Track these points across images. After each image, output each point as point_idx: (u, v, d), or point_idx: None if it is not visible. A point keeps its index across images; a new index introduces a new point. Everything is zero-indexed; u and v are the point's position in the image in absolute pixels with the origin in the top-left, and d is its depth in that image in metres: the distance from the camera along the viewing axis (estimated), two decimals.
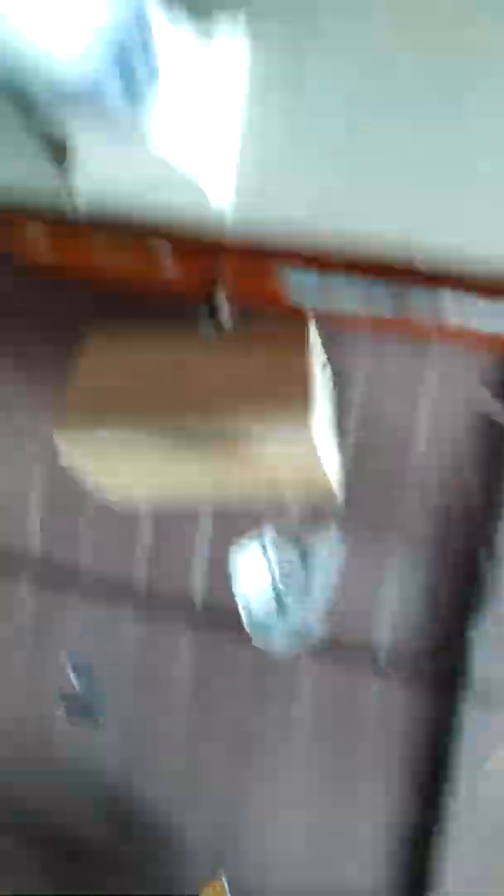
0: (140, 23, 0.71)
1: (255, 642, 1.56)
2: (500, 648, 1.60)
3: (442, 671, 1.68)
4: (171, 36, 0.82)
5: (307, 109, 0.94)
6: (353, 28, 0.92)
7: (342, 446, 1.49)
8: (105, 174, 0.92)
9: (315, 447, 1.26)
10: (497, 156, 0.89)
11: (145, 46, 0.73)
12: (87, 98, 0.72)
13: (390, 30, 0.89)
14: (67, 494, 1.52)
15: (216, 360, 1.29)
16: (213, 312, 1.23)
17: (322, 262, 0.97)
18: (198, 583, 1.76)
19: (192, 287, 1.12)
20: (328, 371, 1.41)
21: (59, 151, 0.86)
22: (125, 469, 1.35)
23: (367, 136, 0.93)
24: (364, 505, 1.59)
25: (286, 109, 0.95)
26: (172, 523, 1.70)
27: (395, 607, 1.67)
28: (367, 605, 1.67)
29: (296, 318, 1.30)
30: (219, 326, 1.24)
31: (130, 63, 0.72)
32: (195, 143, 0.91)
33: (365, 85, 0.93)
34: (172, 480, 1.41)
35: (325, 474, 1.35)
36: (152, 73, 0.75)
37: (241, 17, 0.92)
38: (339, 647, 1.70)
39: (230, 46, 0.92)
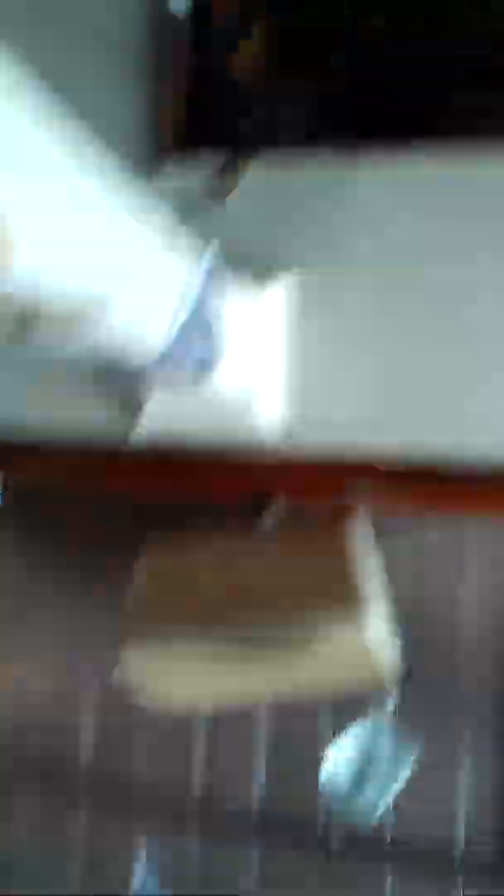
0: (208, 294, 0.79)
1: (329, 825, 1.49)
2: None
3: None
4: (229, 293, 0.92)
5: (346, 335, 1.04)
6: (383, 261, 1.03)
7: (396, 630, 1.49)
8: (166, 414, 0.99)
9: (372, 641, 1.27)
10: None
11: (215, 316, 0.81)
12: (161, 370, 0.79)
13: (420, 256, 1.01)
14: (121, 705, 1.50)
15: (267, 560, 1.33)
16: (261, 513, 1.27)
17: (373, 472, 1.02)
18: (258, 791, 1.69)
19: (245, 499, 1.16)
20: (375, 556, 1.44)
21: (128, 406, 0.94)
22: (182, 678, 1.35)
23: (405, 353, 1.02)
24: (424, 691, 1.57)
25: (325, 336, 1.04)
26: (229, 728, 1.66)
27: (468, 803, 1.59)
28: (440, 802, 1.60)
29: (341, 510, 1.35)
30: (268, 526, 1.28)
31: (202, 334, 0.79)
32: (246, 375, 0.98)
33: (397, 309, 1.02)
34: (228, 685, 1.41)
35: (383, 665, 1.35)
36: (220, 341, 0.83)
37: (282, 265, 1.04)
38: (409, 849, 1.61)
39: (274, 290, 1.02)
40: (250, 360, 0.97)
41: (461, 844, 1.55)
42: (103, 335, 0.65)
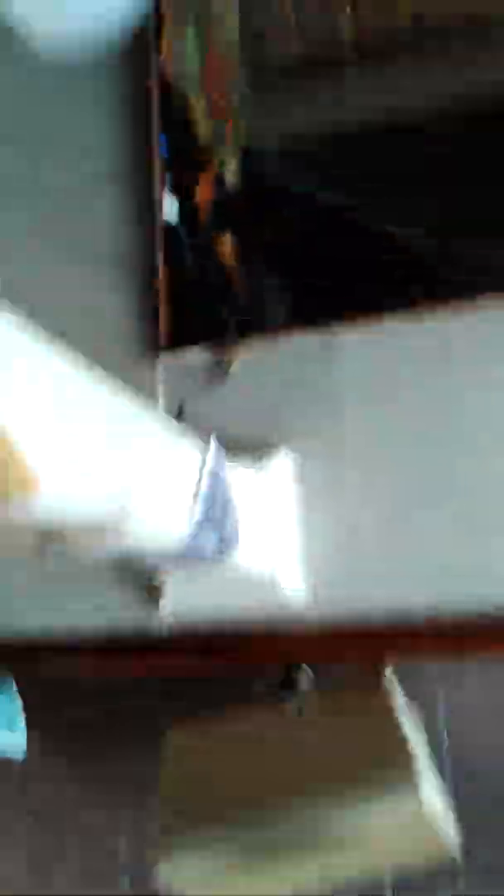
0: (220, 483, 0.82)
1: None
2: None
3: None
4: (238, 475, 0.95)
5: (349, 500, 1.06)
6: (374, 422, 1.08)
7: (445, 791, 1.40)
8: (189, 597, 0.99)
9: (427, 809, 1.18)
10: None
11: (228, 501, 0.84)
12: (186, 558, 0.80)
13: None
14: None
15: (301, 735, 1.27)
16: (291, 684, 1.23)
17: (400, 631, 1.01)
18: None
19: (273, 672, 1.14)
20: (412, 715, 1.38)
21: (151, 590, 0.95)
22: (225, 879, 1.24)
23: (413, 514, 1.04)
24: (486, 850, 1.45)
25: (334, 505, 1.06)
26: None
27: None
28: None
29: (371, 671, 1.30)
30: (299, 697, 1.23)
31: (218, 523, 0.81)
32: (263, 549, 0.99)
33: (397, 478, 1.06)
34: (278, 878, 1.29)
35: (440, 833, 1.25)
36: (235, 523, 0.85)
37: (280, 439, 1.08)
38: None
39: (277, 463, 1.06)
40: (265, 535, 0.99)
41: None
42: (127, 541, 0.67)
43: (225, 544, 0.84)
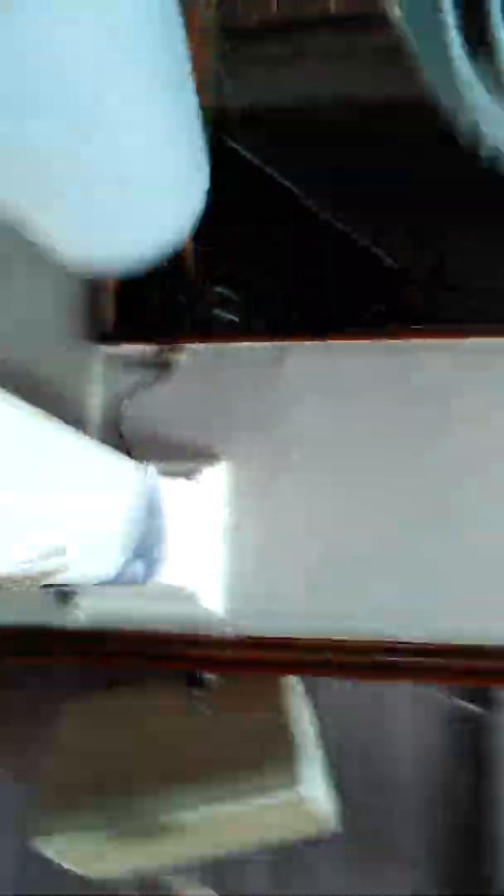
0: (154, 515, 0.82)
1: None
2: None
3: None
4: (169, 491, 0.95)
5: (281, 516, 1.08)
6: (314, 440, 1.09)
7: (330, 775, 1.50)
8: (103, 603, 1.00)
9: (305, 793, 1.26)
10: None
11: (159, 532, 0.84)
12: (112, 583, 0.80)
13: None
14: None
15: (194, 722, 1.31)
16: (195, 681, 1.26)
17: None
18: None
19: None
20: (306, 707, 1.45)
21: (63, 596, 0.95)
22: (106, 852, 1.29)
23: (343, 532, 1.07)
24: (357, 828, 1.57)
25: (262, 519, 1.08)
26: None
27: None
28: None
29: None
30: (199, 690, 1.27)
31: (149, 551, 0.82)
32: (186, 560, 1.01)
33: (330, 492, 1.08)
34: (157, 853, 1.36)
35: (319, 816, 1.35)
36: (164, 549, 0.86)
37: (218, 449, 1.08)
38: None
39: (214, 476, 1.06)
40: (191, 548, 1.00)
41: None
42: (62, 579, 0.66)
43: (152, 570, 0.85)
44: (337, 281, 1.14)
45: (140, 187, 0.63)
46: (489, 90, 0.48)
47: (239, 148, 1.25)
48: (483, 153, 0.54)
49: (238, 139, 1.25)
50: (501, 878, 1.58)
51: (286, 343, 1.11)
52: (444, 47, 0.45)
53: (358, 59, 1.25)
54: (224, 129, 1.19)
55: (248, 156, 1.25)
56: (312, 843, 1.53)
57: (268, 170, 1.24)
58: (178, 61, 0.59)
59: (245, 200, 1.12)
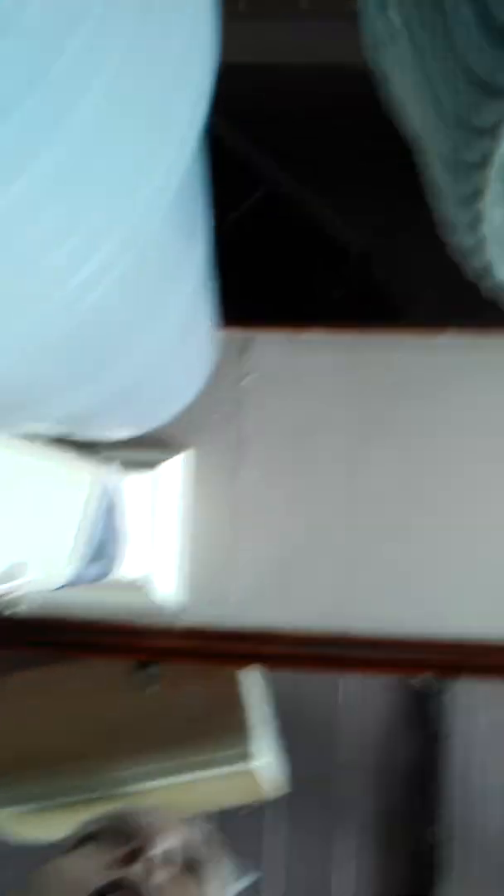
0: (113, 514, 0.81)
1: None
2: None
3: None
4: (132, 489, 0.94)
5: (241, 510, 1.08)
6: (274, 434, 1.09)
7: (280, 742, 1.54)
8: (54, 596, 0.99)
9: (259, 766, 1.30)
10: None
11: (118, 531, 0.83)
12: (67, 586, 0.80)
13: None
14: None
15: (147, 699, 1.33)
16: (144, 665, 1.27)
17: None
18: None
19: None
20: (259, 681, 1.48)
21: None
22: (52, 821, 1.31)
23: (299, 526, 1.07)
24: (306, 793, 1.63)
25: (220, 511, 1.07)
26: None
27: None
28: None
29: None
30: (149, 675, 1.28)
31: (105, 551, 0.81)
32: (142, 553, 1.00)
33: (289, 482, 1.08)
34: None
35: (270, 783, 1.39)
36: (122, 548, 0.85)
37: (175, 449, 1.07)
38: None
39: (174, 469, 1.05)
40: (148, 541, 0.99)
41: None
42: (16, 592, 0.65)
43: (108, 569, 0.84)
44: (301, 269, 1.12)
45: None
46: None
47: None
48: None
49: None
50: (445, 841, 1.66)
51: (251, 332, 1.10)
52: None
53: None
54: None
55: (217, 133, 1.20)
56: (259, 807, 1.59)
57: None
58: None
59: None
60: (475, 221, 0.43)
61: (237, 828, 1.68)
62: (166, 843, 0.61)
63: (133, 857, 0.60)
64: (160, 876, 0.59)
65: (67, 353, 0.43)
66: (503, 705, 1.67)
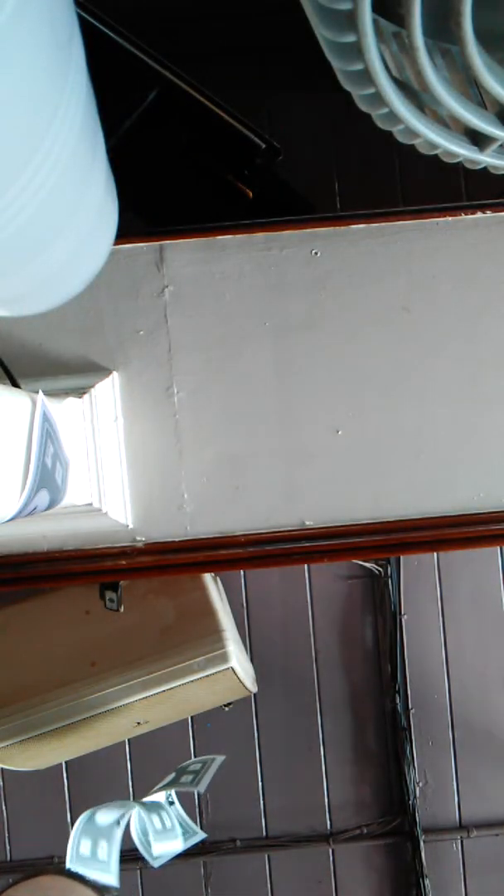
0: (51, 442, 0.81)
1: None
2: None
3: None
4: (67, 413, 0.93)
5: (179, 424, 1.09)
6: (206, 347, 1.09)
7: (246, 642, 1.61)
8: (7, 530, 0.99)
9: (234, 669, 1.36)
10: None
11: (58, 457, 0.83)
12: (16, 518, 0.80)
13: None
14: None
15: (118, 619, 1.37)
16: (107, 587, 1.30)
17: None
18: None
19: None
20: (222, 591, 1.53)
21: None
22: (40, 746, 1.36)
23: (237, 431, 1.09)
24: (278, 686, 1.73)
25: (159, 427, 1.08)
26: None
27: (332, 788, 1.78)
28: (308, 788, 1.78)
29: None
30: (113, 597, 1.31)
31: (51, 479, 0.81)
32: (89, 476, 1.01)
33: (223, 394, 1.09)
34: (89, 740, 1.44)
35: (244, 683, 1.46)
36: (66, 473, 0.85)
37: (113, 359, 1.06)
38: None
39: (106, 388, 1.05)
40: (92, 465, 1.00)
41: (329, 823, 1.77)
42: None
43: (56, 496, 0.85)
44: (205, 170, 1.09)
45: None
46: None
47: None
48: None
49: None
50: (405, 710, 1.79)
51: (164, 241, 1.08)
52: None
53: None
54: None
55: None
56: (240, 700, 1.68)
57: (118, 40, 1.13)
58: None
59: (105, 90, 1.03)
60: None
61: (222, 718, 1.79)
62: None
63: None
64: None
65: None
66: (445, 581, 1.78)
